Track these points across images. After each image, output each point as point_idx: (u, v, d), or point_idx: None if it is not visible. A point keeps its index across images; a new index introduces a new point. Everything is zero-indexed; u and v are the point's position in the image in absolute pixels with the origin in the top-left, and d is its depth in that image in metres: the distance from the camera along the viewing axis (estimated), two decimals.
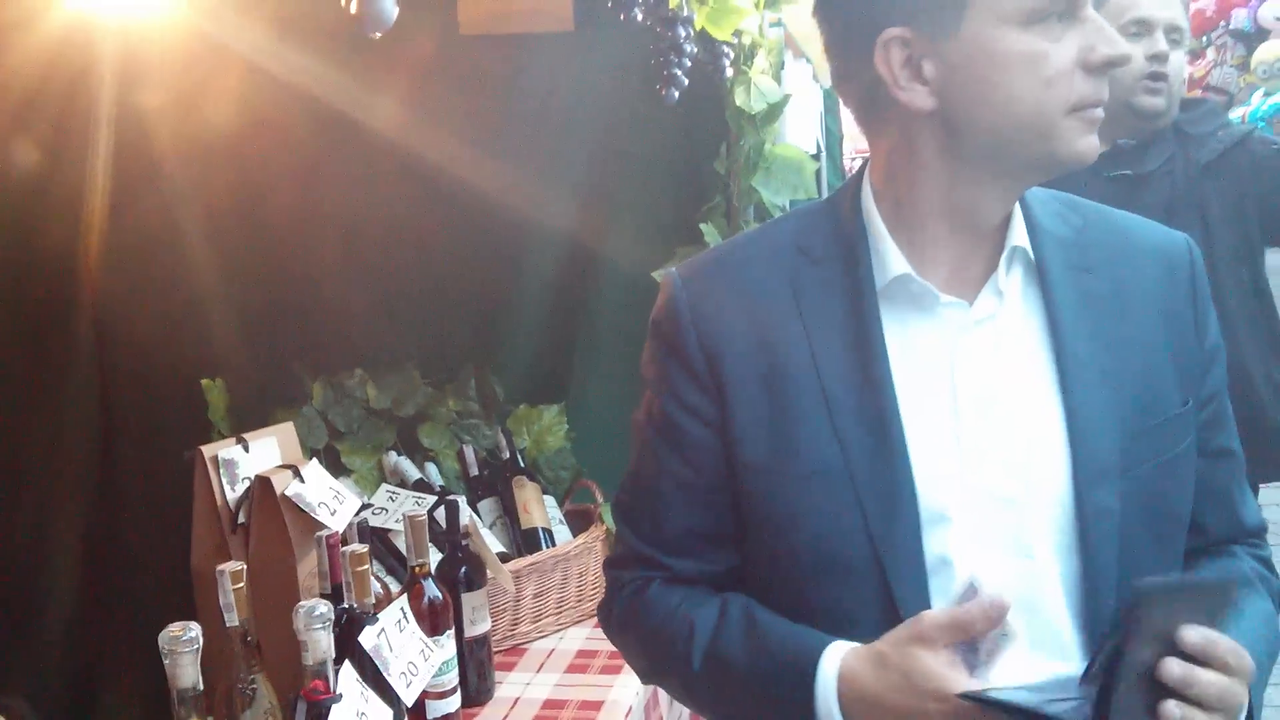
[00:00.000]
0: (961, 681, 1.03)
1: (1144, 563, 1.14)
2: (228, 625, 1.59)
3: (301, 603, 1.47)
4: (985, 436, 1.15)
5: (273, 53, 2.37)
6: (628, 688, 2.08)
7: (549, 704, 2.03)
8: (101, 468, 2.23)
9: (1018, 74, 1.08)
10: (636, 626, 1.30)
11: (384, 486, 2.33)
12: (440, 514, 2.04)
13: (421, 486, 2.39)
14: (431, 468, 2.51)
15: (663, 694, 2.28)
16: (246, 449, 1.90)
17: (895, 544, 1.12)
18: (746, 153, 2.43)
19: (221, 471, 1.86)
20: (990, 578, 1.07)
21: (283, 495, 1.79)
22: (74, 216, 2.34)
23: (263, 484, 1.81)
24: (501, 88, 2.59)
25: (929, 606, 1.10)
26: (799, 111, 4.50)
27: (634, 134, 2.55)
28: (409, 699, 1.66)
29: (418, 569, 1.83)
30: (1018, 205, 1.20)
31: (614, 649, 2.25)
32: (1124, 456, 1.15)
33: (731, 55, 2.16)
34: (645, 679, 1.42)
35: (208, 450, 1.86)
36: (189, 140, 2.48)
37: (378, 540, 2.18)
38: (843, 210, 1.22)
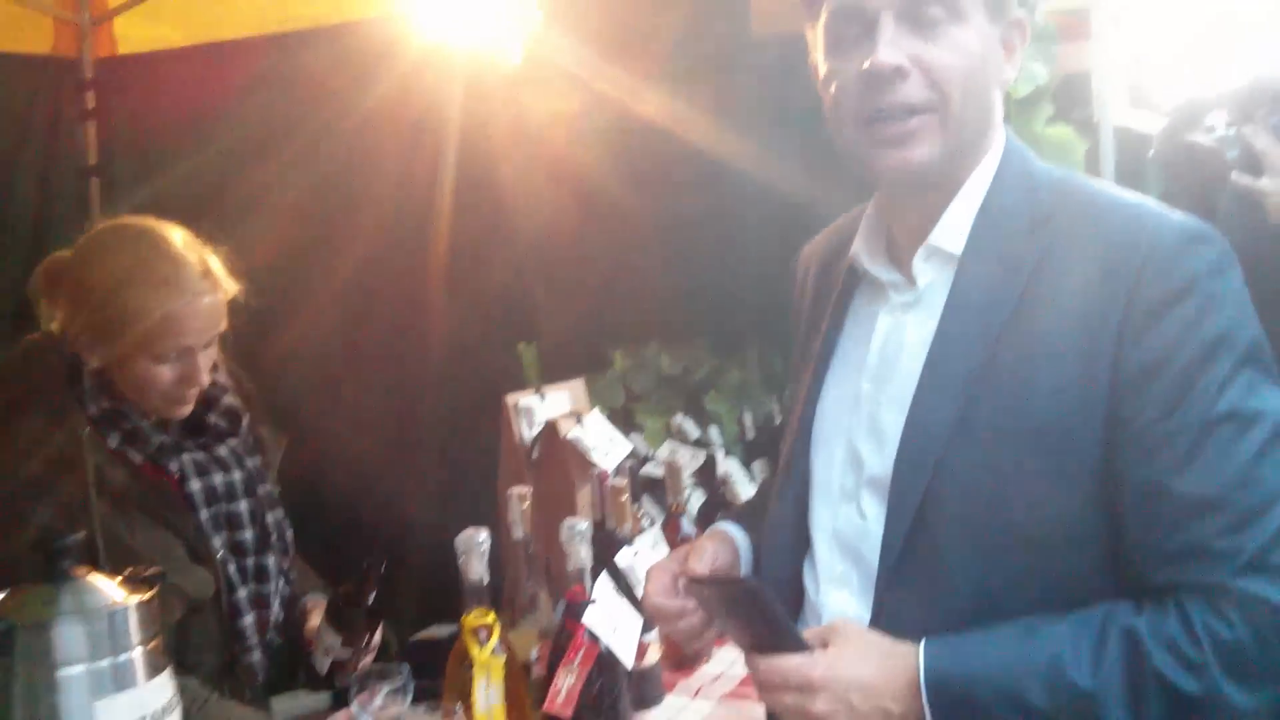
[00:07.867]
0: None
1: None
2: (514, 538, 1.94)
3: (566, 520, 1.79)
4: None
5: (596, 73, 2.76)
6: None
7: None
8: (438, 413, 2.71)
9: (824, 96, 1.25)
10: None
11: (667, 442, 2.65)
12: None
13: (700, 444, 2.68)
14: (714, 429, 2.80)
15: None
16: (543, 398, 2.27)
17: None
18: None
19: (520, 415, 2.24)
20: None
21: (565, 438, 2.14)
22: (423, 222, 2.86)
23: (550, 428, 2.17)
24: (789, 84, 2.82)
25: None
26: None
27: None
28: None
29: (674, 506, 2.13)
30: None
31: None
32: None
33: None
34: None
35: (510, 398, 2.25)
36: (524, 151, 2.92)
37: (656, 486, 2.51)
38: None
